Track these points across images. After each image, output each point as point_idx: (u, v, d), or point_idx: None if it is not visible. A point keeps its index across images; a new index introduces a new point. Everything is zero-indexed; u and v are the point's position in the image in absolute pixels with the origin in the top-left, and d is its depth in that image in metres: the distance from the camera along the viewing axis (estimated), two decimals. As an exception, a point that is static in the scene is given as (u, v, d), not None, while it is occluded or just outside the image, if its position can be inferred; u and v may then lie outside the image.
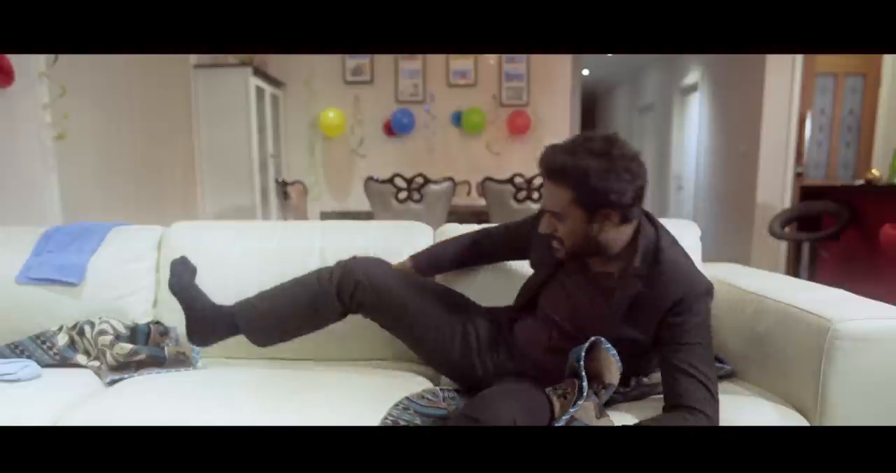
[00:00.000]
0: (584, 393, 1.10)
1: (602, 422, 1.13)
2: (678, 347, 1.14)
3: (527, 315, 1.39)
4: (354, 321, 1.56)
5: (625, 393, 1.28)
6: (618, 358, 1.16)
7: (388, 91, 5.01)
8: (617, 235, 1.20)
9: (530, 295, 1.39)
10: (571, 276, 1.31)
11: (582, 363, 1.13)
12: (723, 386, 1.33)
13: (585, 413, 1.10)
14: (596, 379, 1.17)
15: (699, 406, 1.09)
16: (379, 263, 1.43)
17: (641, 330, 1.19)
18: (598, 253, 1.22)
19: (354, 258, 1.42)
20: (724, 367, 1.42)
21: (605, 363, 1.17)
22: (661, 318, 1.17)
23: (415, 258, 1.54)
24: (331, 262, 1.60)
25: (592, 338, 1.16)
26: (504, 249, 1.53)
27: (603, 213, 1.16)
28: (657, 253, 1.20)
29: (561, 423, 1.07)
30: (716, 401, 1.11)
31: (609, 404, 1.23)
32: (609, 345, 1.16)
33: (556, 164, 1.16)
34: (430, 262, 1.55)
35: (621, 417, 1.18)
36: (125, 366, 1.45)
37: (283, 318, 1.40)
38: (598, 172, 1.12)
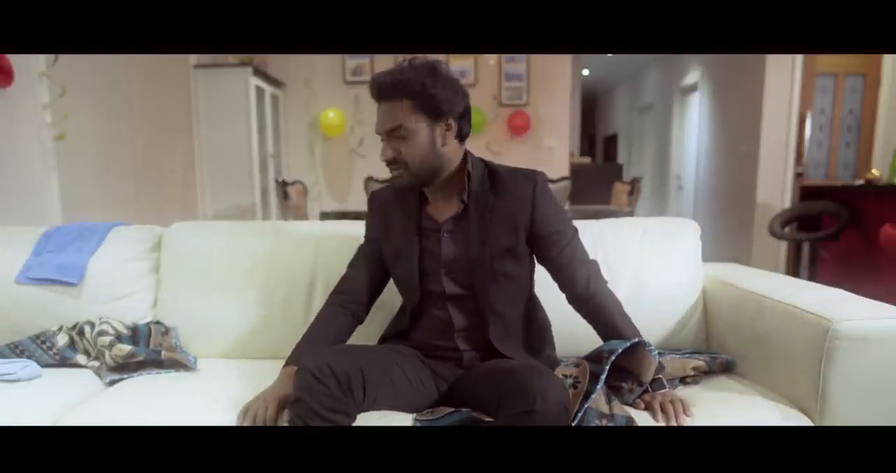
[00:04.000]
0: (599, 384, 1.10)
1: (615, 407, 1.13)
2: (557, 240, 1.29)
3: (421, 313, 1.33)
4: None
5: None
6: (658, 358, 1.18)
7: (388, 91, 5.00)
8: (455, 152, 1.27)
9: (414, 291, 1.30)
10: (430, 236, 1.30)
11: (613, 358, 1.13)
12: (724, 384, 1.34)
13: (596, 401, 1.12)
14: (632, 376, 1.19)
15: (601, 279, 1.31)
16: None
17: (515, 239, 1.28)
18: (440, 170, 1.26)
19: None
20: (719, 356, 1.43)
21: (644, 362, 1.18)
22: (528, 220, 1.27)
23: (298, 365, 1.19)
24: (329, 262, 1.60)
25: (636, 340, 1.17)
26: (377, 272, 1.39)
27: (444, 120, 1.22)
28: (487, 166, 1.32)
29: (577, 419, 1.07)
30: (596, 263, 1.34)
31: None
32: (652, 347, 1.17)
33: (390, 81, 1.19)
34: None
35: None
36: (125, 367, 1.45)
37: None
38: (430, 81, 1.18)
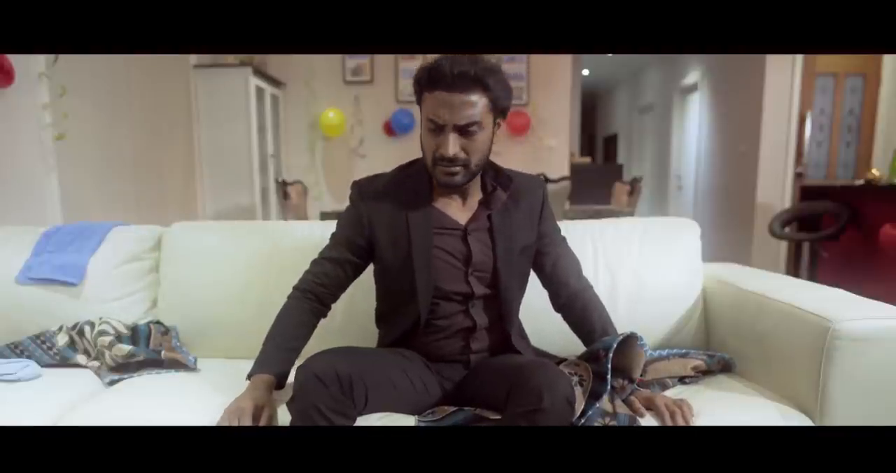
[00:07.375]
0: (608, 387, 1.10)
1: (618, 406, 1.13)
2: (554, 238, 1.35)
3: (431, 316, 1.25)
4: (356, 321, 1.56)
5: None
6: (648, 352, 1.18)
7: (388, 91, 5.01)
8: None
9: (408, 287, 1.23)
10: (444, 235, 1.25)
11: (611, 355, 1.12)
12: (724, 384, 1.34)
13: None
14: (622, 373, 1.18)
15: (583, 279, 1.36)
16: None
17: (531, 238, 1.31)
18: (482, 167, 1.25)
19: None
20: (714, 354, 1.42)
21: (635, 357, 1.18)
22: (538, 219, 1.32)
23: (267, 373, 1.20)
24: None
25: (628, 332, 1.16)
26: (351, 270, 1.30)
27: (500, 120, 1.23)
28: (493, 166, 1.31)
29: (584, 418, 1.07)
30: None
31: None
32: (644, 342, 1.17)
33: (471, 72, 1.11)
34: (286, 362, 1.24)
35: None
36: (125, 367, 1.44)
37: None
38: (500, 78, 1.17)
